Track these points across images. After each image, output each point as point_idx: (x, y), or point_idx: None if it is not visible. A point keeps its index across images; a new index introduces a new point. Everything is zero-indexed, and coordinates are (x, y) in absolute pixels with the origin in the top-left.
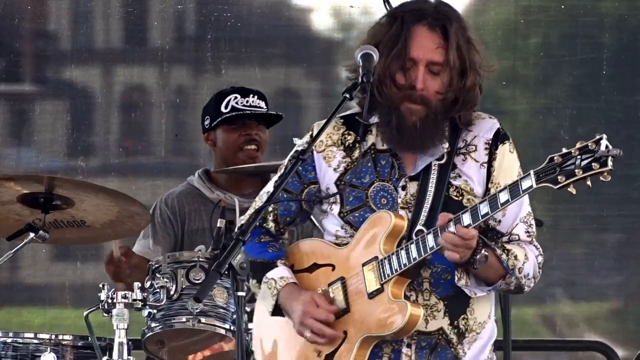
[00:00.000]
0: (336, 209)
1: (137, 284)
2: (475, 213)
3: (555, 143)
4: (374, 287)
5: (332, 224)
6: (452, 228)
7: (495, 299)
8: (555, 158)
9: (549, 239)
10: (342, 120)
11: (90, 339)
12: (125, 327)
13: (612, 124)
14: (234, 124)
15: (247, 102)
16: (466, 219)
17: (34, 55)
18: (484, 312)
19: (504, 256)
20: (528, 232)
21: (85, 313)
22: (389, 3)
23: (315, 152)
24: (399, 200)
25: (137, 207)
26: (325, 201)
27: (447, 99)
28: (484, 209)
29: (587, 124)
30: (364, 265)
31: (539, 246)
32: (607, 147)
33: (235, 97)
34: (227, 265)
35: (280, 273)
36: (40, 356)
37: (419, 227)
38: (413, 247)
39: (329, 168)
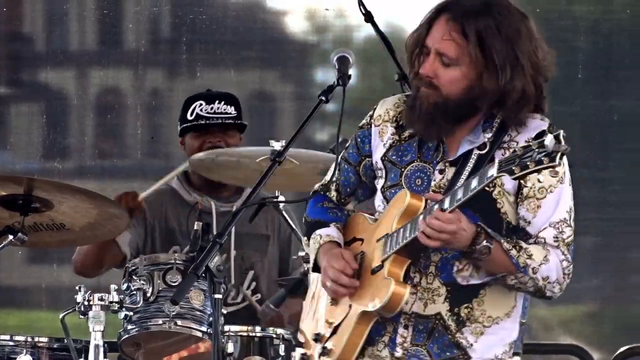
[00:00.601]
0: (380, 183)
1: (113, 286)
2: (453, 197)
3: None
4: (377, 264)
5: (377, 199)
6: (435, 208)
7: (527, 300)
8: (517, 150)
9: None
10: (405, 99)
11: (66, 341)
12: (102, 329)
13: (587, 128)
14: (199, 132)
15: (212, 108)
16: (446, 202)
17: (8, 58)
18: (498, 308)
19: (513, 252)
20: (557, 237)
21: (61, 315)
22: (363, 5)
23: (373, 126)
24: (433, 184)
25: (115, 209)
26: (377, 174)
27: (472, 93)
28: (459, 193)
29: (562, 128)
30: (377, 241)
31: (567, 252)
32: (559, 142)
33: (201, 104)
34: (204, 268)
35: (327, 231)
36: (16, 358)
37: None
38: (408, 227)
39: (380, 142)
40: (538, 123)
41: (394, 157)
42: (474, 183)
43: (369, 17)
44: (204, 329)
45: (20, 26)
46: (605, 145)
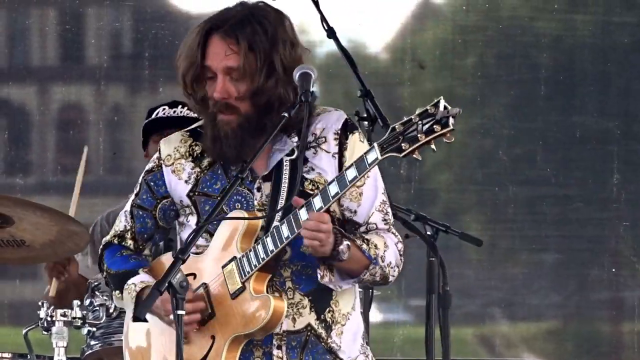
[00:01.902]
0: (193, 219)
1: (76, 302)
2: (325, 195)
3: (492, 163)
4: (236, 287)
5: (188, 234)
6: (304, 214)
7: (363, 295)
8: (396, 127)
9: (487, 258)
10: (187, 133)
11: (29, 357)
12: (65, 345)
13: (549, 145)
14: (159, 134)
15: (174, 112)
16: (317, 202)
17: None
18: (347, 304)
19: (364, 246)
20: (385, 219)
21: (24, 331)
22: (326, 21)
23: (164, 167)
24: (255, 203)
25: (76, 226)
26: (181, 213)
27: (260, 102)
28: (334, 189)
29: (524, 144)
30: (223, 267)
31: (397, 234)
32: (445, 107)
33: (164, 109)
34: (166, 284)
35: (139, 278)
36: None
37: (275, 223)
38: (269, 240)
39: (179, 181)
40: (335, 114)
41: (205, 189)
42: (352, 173)
43: (331, 32)
44: None
45: None
46: (567, 162)
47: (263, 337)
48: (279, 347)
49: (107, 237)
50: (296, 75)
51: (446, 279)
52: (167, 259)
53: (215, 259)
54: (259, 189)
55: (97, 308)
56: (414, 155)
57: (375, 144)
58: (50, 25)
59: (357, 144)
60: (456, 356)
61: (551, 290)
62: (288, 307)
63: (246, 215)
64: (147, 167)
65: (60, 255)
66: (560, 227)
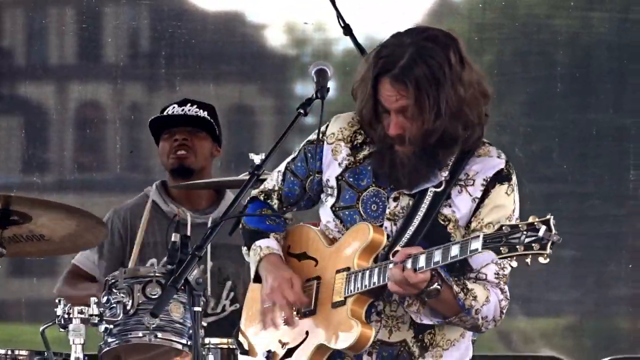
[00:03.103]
0: (330, 201)
1: (93, 299)
2: (429, 258)
3: (509, 160)
4: (339, 299)
5: (324, 214)
6: (408, 265)
7: None
8: (504, 227)
9: None
10: (358, 120)
11: (46, 355)
12: (82, 342)
13: (565, 142)
14: (168, 132)
15: (182, 110)
16: (421, 261)
17: None
18: (454, 331)
19: (461, 295)
20: (498, 274)
21: (41, 328)
22: (342, 19)
23: (325, 143)
24: (387, 211)
25: (92, 219)
26: (324, 191)
27: (432, 139)
28: (437, 256)
29: (540, 142)
30: (337, 272)
31: (506, 290)
32: (549, 229)
33: (173, 107)
34: (183, 281)
35: (267, 243)
36: None
37: (398, 247)
38: (376, 272)
39: (334, 161)
40: (495, 160)
41: (350, 178)
42: (455, 251)
43: (347, 30)
44: (184, 341)
45: None
46: (584, 159)
47: (349, 354)
48: (370, 354)
49: (254, 192)
50: (312, 71)
51: None
52: (304, 230)
53: (336, 259)
54: (395, 199)
55: (114, 305)
56: (508, 261)
57: (481, 235)
58: (67, 24)
59: (501, 195)
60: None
61: (569, 286)
62: (388, 319)
63: (372, 230)
64: (309, 138)
65: (80, 247)
66: (577, 224)
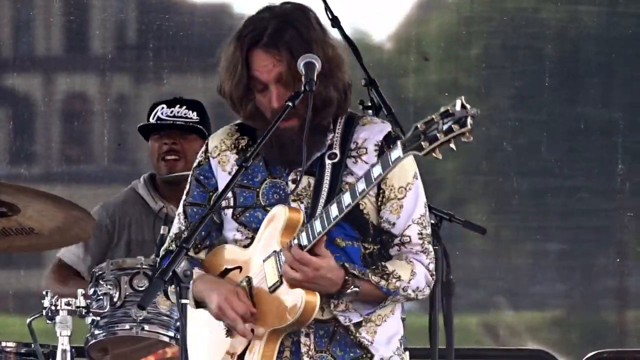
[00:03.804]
0: (229, 211)
1: (80, 291)
2: (353, 191)
3: (497, 153)
4: (274, 280)
5: (228, 229)
6: (334, 210)
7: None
8: (419, 126)
9: (492, 248)
10: (236, 127)
11: (33, 346)
12: (69, 334)
13: (554, 136)
14: (158, 134)
15: (172, 112)
16: (346, 198)
17: None
18: (386, 306)
19: (382, 282)
20: (421, 233)
21: (28, 320)
22: (330, 11)
23: (211, 159)
24: (291, 195)
25: (79, 212)
26: (223, 205)
27: (314, 103)
28: (361, 186)
29: (529, 135)
30: (264, 261)
31: (430, 250)
32: (464, 106)
33: (162, 108)
34: (170, 273)
35: (194, 269)
36: None
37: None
38: (303, 235)
39: (223, 172)
40: (380, 125)
41: (244, 181)
42: (377, 170)
43: (335, 22)
44: (171, 334)
45: None
46: (572, 153)
47: (298, 329)
48: (307, 335)
49: (165, 246)
50: (300, 64)
51: (449, 268)
52: (217, 252)
53: (258, 253)
54: (294, 181)
55: (101, 297)
56: (434, 154)
57: (398, 142)
58: (55, 16)
59: None
60: (460, 344)
61: (556, 280)
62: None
63: (287, 210)
64: (194, 164)
65: (68, 241)
66: (564, 218)
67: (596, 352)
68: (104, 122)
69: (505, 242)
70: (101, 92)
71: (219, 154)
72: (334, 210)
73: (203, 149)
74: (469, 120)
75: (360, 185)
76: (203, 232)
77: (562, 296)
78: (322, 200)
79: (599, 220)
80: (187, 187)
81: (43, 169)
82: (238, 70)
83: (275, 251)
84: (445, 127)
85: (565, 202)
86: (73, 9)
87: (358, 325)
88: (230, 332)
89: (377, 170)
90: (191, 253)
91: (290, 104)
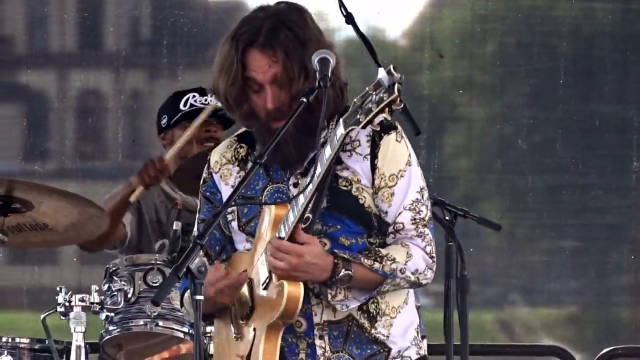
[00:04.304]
0: (235, 224)
1: (94, 287)
2: (312, 176)
3: (511, 151)
4: (265, 277)
5: (237, 241)
6: (301, 199)
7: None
8: (356, 100)
9: (507, 246)
10: (235, 138)
11: (47, 342)
12: (83, 330)
13: (568, 133)
14: (189, 122)
15: (206, 100)
16: (305, 182)
17: None
18: (396, 298)
19: (376, 265)
20: (414, 218)
21: (42, 316)
22: (344, 7)
23: (214, 174)
24: (292, 197)
25: (93, 208)
26: (228, 218)
27: (309, 104)
28: (318, 170)
29: (544, 133)
30: (258, 260)
31: (427, 233)
32: (390, 73)
33: (194, 96)
34: (185, 269)
35: None
36: None
37: (307, 215)
38: (281, 227)
39: (226, 186)
40: None
41: (248, 192)
42: (328, 151)
43: (349, 18)
44: (185, 329)
45: (0, 28)
46: (587, 150)
47: (289, 322)
48: (321, 337)
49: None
50: (315, 60)
51: (464, 264)
52: (231, 260)
53: (256, 253)
54: (295, 185)
55: (115, 293)
56: (371, 126)
57: (340, 120)
58: (69, 12)
59: (392, 143)
60: (475, 341)
61: (570, 277)
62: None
63: (273, 208)
64: (201, 181)
65: (83, 237)
66: (579, 215)
67: (611, 348)
68: (118, 119)
69: (520, 240)
70: (115, 88)
71: (220, 169)
72: (300, 198)
73: (206, 165)
74: (396, 87)
75: (317, 170)
76: (217, 247)
77: (576, 293)
78: (313, 197)
79: (613, 218)
80: (199, 205)
81: (57, 166)
82: (233, 69)
83: (265, 249)
84: (376, 97)
85: (579, 199)
86: (87, 6)
87: (373, 320)
88: (238, 334)
89: (327, 151)
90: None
91: (304, 99)
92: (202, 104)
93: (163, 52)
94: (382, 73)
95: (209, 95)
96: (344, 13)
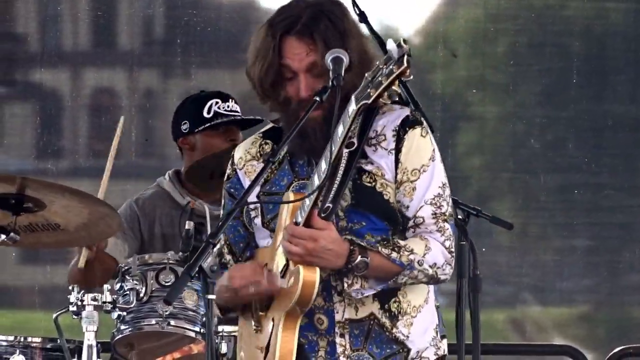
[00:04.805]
0: (258, 221)
1: (106, 286)
2: (326, 156)
3: (524, 150)
4: (282, 264)
5: (260, 238)
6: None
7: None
8: (367, 75)
9: (519, 245)
10: (260, 135)
11: (59, 342)
12: (95, 329)
13: (581, 133)
14: (218, 129)
15: (228, 107)
16: (322, 164)
17: (2, 58)
18: (418, 297)
19: (393, 254)
20: (435, 213)
21: (54, 315)
22: (357, 6)
23: (238, 170)
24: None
25: (105, 208)
26: (252, 215)
27: (340, 96)
28: (330, 148)
29: (556, 132)
30: (277, 249)
31: (447, 227)
32: (400, 46)
33: (217, 102)
34: (197, 268)
35: (219, 282)
36: (9, 358)
37: (327, 204)
38: (298, 213)
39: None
40: (398, 111)
41: (272, 188)
42: (340, 129)
43: (362, 17)
44: (197, 329)
45: (13, 26)
46: (599, 150)
47: (306, 309)
48: (342, 336)
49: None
50: (328, 59)
51: (476, 263)
52: (256, 254)
53: (275, 244)
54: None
55: (128, 292)
56: (382, 100)
57: (353, 96)
58: (82, 11)
59: (416, 138)
60: (487, 340)
61: (583, 275)
62: (350, 296)
63: (291, 195)
64: (225, 178)
65: (95, 237)
66: (591, 214)
67: (622, 347)
68: (131, 117)
69: (532, 239)
70: (129, 87)
71: (244, 165)
72: (315, 180)
73: (230, 161)
74: (405, 58)
75: (331, 147)
76: (241, 244)
77: (588, 292)
78: (334, 187)
79: (624, 217)
80: (222, 201)
81: (70, 164)
82: (270, 56)
83: (283, 236)
84: (387, 70)
85: (591, 198)
86: (100, 4)
87: (395, 319)
88: (258, 328)
89: (340, 129)
90: (231, 262)
91: (317, 98)
92: (226, 110)
93: (176, 51)
94: (391, 44)
95: (231, 101)
96: (357, 12)
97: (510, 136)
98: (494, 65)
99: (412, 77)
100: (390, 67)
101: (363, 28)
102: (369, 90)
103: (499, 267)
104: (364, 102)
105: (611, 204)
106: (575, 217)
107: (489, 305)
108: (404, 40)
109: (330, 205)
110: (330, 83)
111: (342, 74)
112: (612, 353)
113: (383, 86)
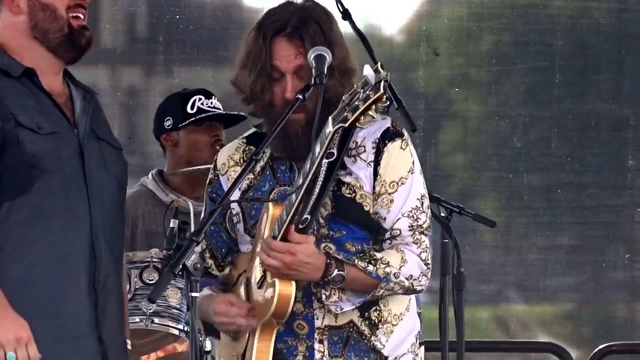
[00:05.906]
0: (241, 227)
1: None
2: (304, 172)
3: (507, 149)
4: (259, 276)
5: (242, 242)
6: (293, 198)
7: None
8: (344, 98)
9: (502, 244)
10: (244, 140)
11: None
12: None
13: (564, 132)
14: (201, 125)
15: (212, 104)
16: (300, 180)
17: None
18: (399, 305)
19: (370, 267)
20: (412, 226)
21: None
22: (341, 3)
23: (220, 176)
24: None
25: None
26: (234, 221)
27: (324, 100)
28: (307, 166)
29: (539, 132)
30: (256, 260)
31: (424, 240)
32: (377, 71)
33: (200, 99)
34: (181, 266)
35: (202, 293)
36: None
37: (305, 216)
38: (276, 227)
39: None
40: (379, 122)
41: (255, 194)
42: (317, 148)
43: (346, 15)
44: (181, 327)
45: None
46: (582, 149)
47: (282, 321)
48: (321, 342)
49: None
50: (311, 57)
51: (460, 260)
52: (235, 262)
53: (255, 253)
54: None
55: None
56: (358, 124)
57: (330, 117)
58: None
59: (396, 151)
60: (471, 337)
61: (566, 274)
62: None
63: (270, 206)
64: (207, 182)
65: None
66: (574, 213)
67: (606, 344)
68: (114, 115)
69: (516, 237)
70: (111, 85)
71: (227, 171)
72: (292, 197)
73: (212, 166)
74: (382, 84)
75: (307, 166)
76: (224, 250)
77: (572, 290)
78: (313, 198)
79: (608, 216)
80: (204, 206)
81: None
82: (262, 58)
83: (260, 248)
84: (363, 95)
85: (575, 197)
86: None
87: (374, 327)
88: (236, 336)
89: (317, 149)
90: (215, 272)
91: (300, 96)
92: (209, 107)
93: (159, 49)
94: (367, 70)
95: (213, 98)
96: (341, 9)
97: (494, 134)
98: (477, 64)
99: (388, 103)
100: (367, 92)
101: (346, 27)
102: (345, 113)
103: (483, 265)
104: (341, 125)
105: (595, 203)
106: (559, 216)
107: (473, 302)
108: (382, 65)
109: (309, 216)
110: (313, 81)
111: (325, 72)
112: (595, 350)
113: (359, 111)
